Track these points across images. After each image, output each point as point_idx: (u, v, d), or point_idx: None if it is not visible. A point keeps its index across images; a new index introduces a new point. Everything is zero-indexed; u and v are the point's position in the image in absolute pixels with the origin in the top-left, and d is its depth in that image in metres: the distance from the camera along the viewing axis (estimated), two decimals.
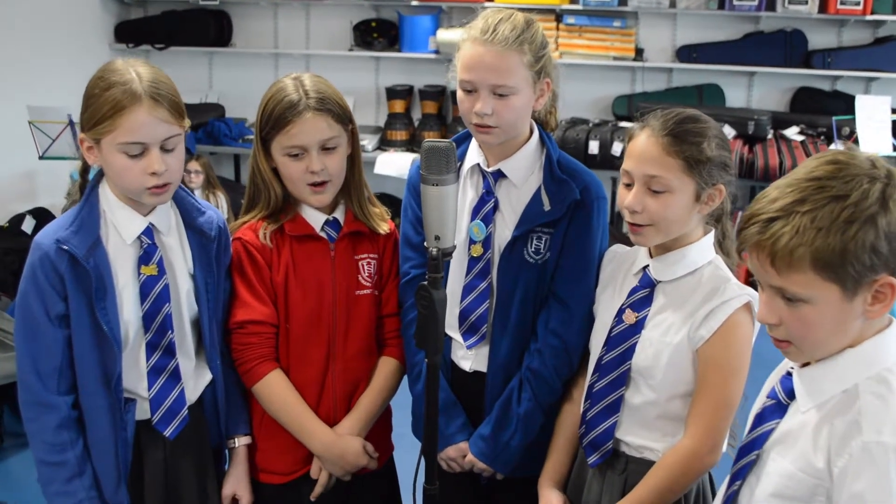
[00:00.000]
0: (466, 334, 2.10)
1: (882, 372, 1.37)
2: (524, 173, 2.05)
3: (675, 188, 1.82)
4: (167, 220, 1.96)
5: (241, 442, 2.10)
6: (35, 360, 1.85)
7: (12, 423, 4.06)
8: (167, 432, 1.96)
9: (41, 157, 5.04)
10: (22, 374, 1.87)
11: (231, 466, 2.09)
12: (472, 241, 2.06)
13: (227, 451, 2.11)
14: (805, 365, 1.45)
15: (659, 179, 1.82)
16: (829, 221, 1.30)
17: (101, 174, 1.93)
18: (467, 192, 2.08)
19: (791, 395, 1.46)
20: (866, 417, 1.33)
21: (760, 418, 1.51)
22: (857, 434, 1.32)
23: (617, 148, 5.73)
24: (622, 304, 1.94)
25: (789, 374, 1.48)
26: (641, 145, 1.85)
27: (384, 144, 6.53)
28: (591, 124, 6.06)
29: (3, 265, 4.86)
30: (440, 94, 6.44)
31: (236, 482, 2.09)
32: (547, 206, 2.01)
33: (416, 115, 6.65)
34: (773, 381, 1.57)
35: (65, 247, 1.81)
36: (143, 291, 1.90)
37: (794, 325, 1.38)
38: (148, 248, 1.91)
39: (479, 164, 2.07)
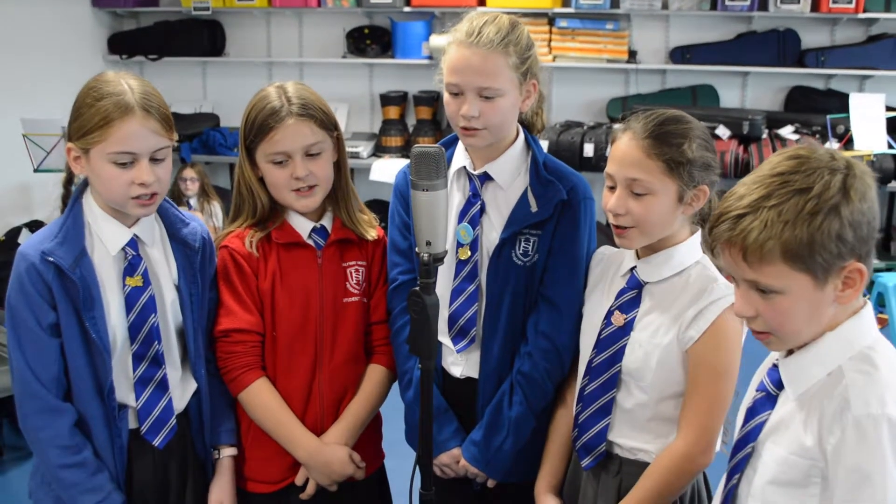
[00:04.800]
0: (456, 338, 2.09)
1: (863, 350, 1.42)
2: (510, 175, 2.05)
3: (657, 190, 1.82)
4: (151, 231, 1.97)
5: (225, 452, 2.09)
6: (35, 369, 1.84)
7: (12, 436, 4.06)
8: (156, 442, 1.96)
9: (36, 170, 5.04)
10: (23, 384, 1.86)
11: (216, 476, 2.08)
12: (459, 244, 2.06)
13: (213, 461, 2.10)
14: (789, 354, 1.49)
15: (640, 182, 1.82)
16: (794, 214, 1.36)
17: (84, 185, 1.94)
18: (454, 195, 2.07)
19: (779, 385, 1.50)
20: (853, 393, 1.37)
21: (752, 411, 1.54)
22: (847, 410, 1.35)
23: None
24: (611, 307, 1.94)
25: (775, 365, 1.52)
26: (623, 148, 1.85)
27: (379, 151, 6.54)
28: (585, 127, 6.05)
29: None
30: (434, 100, 6.44)
31: (221, 492, 2.07)
32: (534, 208, 2.01)
33: (411, 121, 6.66)
34: (760, 375, 1.60)
35: (50, 258, 1.81)
36: (129, 302, 1.90)
37: (770, 315, 1.43)
38: (132, 260, 1.91)
39: (465, 167, 2.07)
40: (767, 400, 1.52)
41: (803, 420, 1.43)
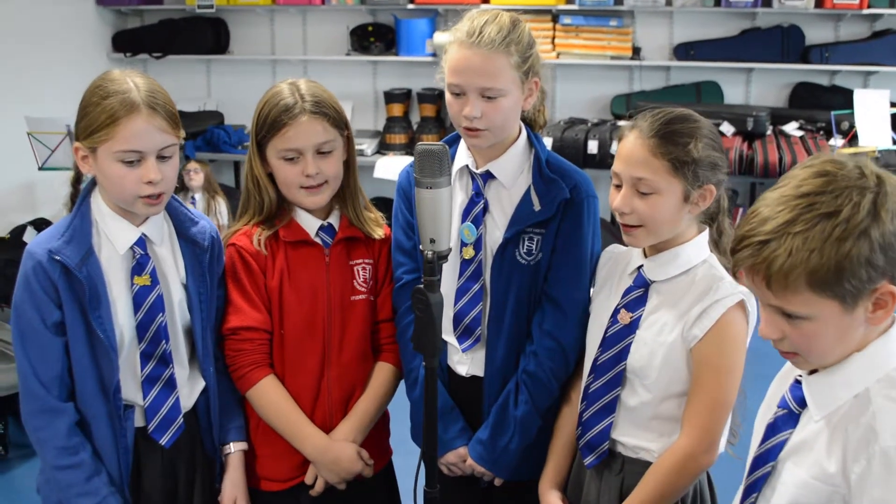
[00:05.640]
0: (461, 337, 2.09)
1: (891, 373, 1.36)
2: (513, 174, 2.05)
3: (662, 190, 1.82)
4: (160, 230, 1.97)
5: (235, 448, 2.09)
6: (36, 368, 1.85)
7: (17, 434, 4.07)
8: (163, 440, 1.96)
9: (41, 168, 5.04)
10: (24, 383, 1.86)
11: (227, 473, 2.08)
12: (462, 244, 2.06)
13: (221, 459, 2.10)
14: (813, 372, 1.43)
15: (646, 181, 1.82)
16: (821, 241, 1.28)
17: (92, 184, 1.94)
18: (457, 194, 2.07)
19: (802, 403, 1.45)
20: (882, 422, 1.31)
21: (773, 428, 1.48)
22: (874, 440, 1.30)
23: (616, 147, 5.71)
24: (617, 305, 1.94)
25: (798, 382, 1.46)
26: (629, 147, 1.85)
27: (383, 148, 6.53)
28: (589, 124, 6.04)
29: (4, 277, 4.86)
30: (438, 97, 6.43)
31: (234, 487, 2.07)
32: (537, 207, 2.00)
33: (415, 119, 6.66)
34: (777, 388, 1.56)
35: (57, 257, 1.82)
36: (137, 301, 1.91)
37: (797, 339, 1.37)
38: (141, 259, 1.92)
39: (467, 166, 2.07)
40: (789, 418, 1.46)
41: (827, 444, 1.38)
